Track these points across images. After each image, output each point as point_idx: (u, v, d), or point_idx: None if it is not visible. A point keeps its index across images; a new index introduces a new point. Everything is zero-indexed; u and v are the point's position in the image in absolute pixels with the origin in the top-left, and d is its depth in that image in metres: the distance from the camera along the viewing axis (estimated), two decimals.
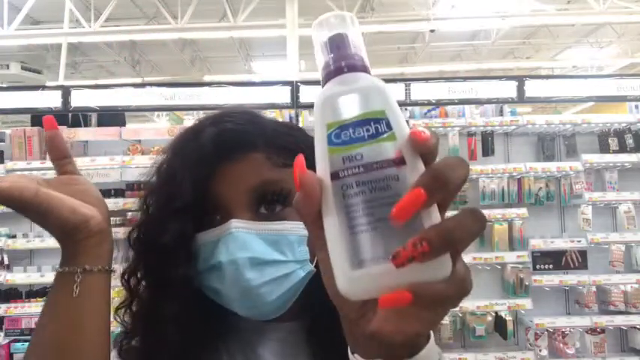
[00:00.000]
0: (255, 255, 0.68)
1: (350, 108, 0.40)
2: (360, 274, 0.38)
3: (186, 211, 0.70)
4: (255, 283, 0.68)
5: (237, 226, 0.69)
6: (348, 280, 0.38)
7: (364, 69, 0.43)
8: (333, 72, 0.42)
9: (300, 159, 0.40)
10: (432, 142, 0.40)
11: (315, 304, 0.70)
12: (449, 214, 0.40)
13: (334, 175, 0.39)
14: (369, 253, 0.38)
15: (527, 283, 4.32)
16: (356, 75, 0.42)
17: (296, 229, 0.70)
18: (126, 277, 0.79)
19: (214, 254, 0.70)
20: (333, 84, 0.42)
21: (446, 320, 4.27)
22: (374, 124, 0.40)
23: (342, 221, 0.38)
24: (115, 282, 0.74)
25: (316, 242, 0.42)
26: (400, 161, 0.39)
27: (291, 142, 0.75)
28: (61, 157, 0.69)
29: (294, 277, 0.70)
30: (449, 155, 0.45)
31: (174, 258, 0.71)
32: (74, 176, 0.70)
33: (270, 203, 0.72)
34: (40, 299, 4.30)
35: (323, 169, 0.40)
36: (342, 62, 0.42)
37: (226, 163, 0.71)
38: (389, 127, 0.41)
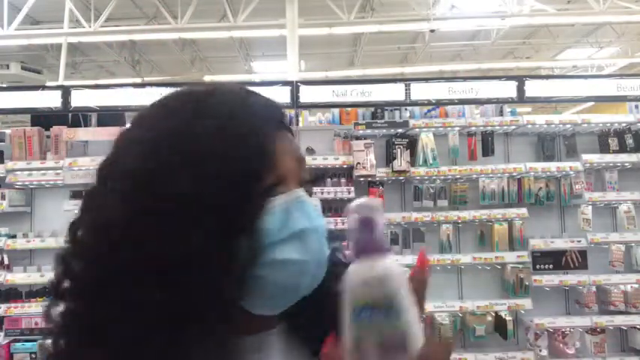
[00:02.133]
0: (324, 227, 0.67)
1: (373, 290, 0.52)
2: None
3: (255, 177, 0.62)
4: (326, 253, 0.67)
5: (304, 194, 0.67)
6: None
7: (386, 250, 0.55)
8: (366, 249, 0.55)
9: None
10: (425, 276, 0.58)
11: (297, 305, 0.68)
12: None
13: (353, 348, 0.51)
14: None
15: (527, 283, 4.32)
16: (381, 261, 0.54)
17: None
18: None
19: (290, 222, 0.63)
20: (361, 264, 0.54)
21: (446, 320, 4.27)
22: (386, 310, 0.51)
23: None
24: None
25: None
26: (401, 349, 0.50)
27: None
28: None
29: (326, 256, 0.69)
30: (433, 340, 0.53)
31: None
32: None
33: (306, 181, 0.70)
34: (40, 299, 4.30)
35: (346, 340, 0.53)
36: (374, 244, 0.54)
37: (275, 133, 0.67)
38: (396, 314, 0.51)
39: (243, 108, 0.66)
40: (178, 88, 0.72)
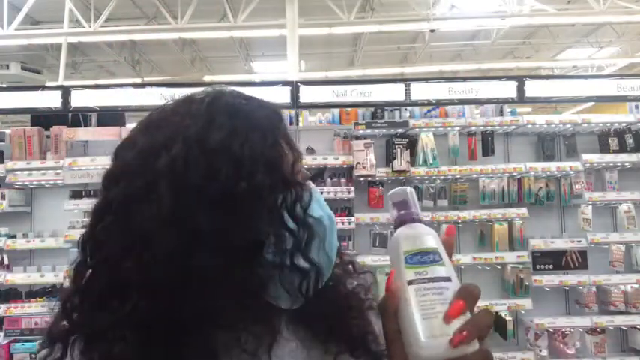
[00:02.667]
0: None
1: (418, 242, 0.67)
2: (429, 343, 0.60)
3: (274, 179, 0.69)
4: (337, 243, 0.75)
5: (315, 188, 0.74)
6: (421, 347, 0.60)
7: (421, 221, 0.70)
8: (405, 220, 0.69)
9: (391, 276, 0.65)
10: (452, 241, 0.68)
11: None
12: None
13: (410, 282, 0.64)
14: (434, 331, 0.60)
15: (527, 283, 4.32)
16: (419, 225, 0.69)
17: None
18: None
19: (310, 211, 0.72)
20: (405, 228, 0.68)
21: None
22: (432, 255, 0.65)
23: (417, 311, 0.62)
24: None
25: (391, 326, 0.64)
26: (448, 279, 0.64)
27: None
28: None
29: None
30: (470, 283, 0.64)
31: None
32: None
33: (311, 177, 0.78)
34: (40, 299, 4.30)
35: (402, 278, 0.65)
36: (411, 216, 0.69)
37: (283, 133, 0.75)
38: (440, 257, 0.66)
39: (250, 108, 0.73)
40: (184, 94, 0.77)
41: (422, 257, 0.65)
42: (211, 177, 0.65)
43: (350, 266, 0.85)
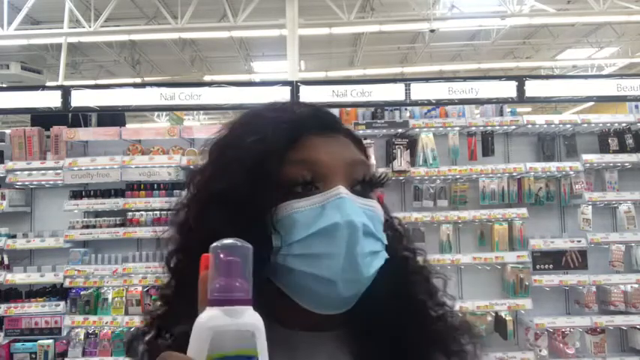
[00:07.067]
0: (366, 222, 0.67)
1: (234, 344, 0.47)
2: None
3: (270, 185, 0.67)
4: (364, 250, 0.66)
5: (346, 192, 0.68)
6: None
7: (249, 302, 0.49)
8: (226, 299, 0.48)
9: None
10: None
11: (363, 309, 0.69)
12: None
13: None
14: None
15: (527, 283, 4.32)
16: (246, 312, 0.48)
17: (381, 212, 0.73)
18: (175, 257, 0.73)
19: (323, 217, 0.66)
20: (221, 313, 0.47)
21: None
22: None
23: None
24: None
25: None
26: None
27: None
28: None
29: (382, 256, 0.70)
30: None
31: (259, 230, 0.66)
32: None
33: (362, 182, 0.72)
34: (40, 299, 4.31)
35: None
36: (232, 293, 0.48)
37: (321, 136, 0.72)
38: None
39: (276, 117, 0.72)
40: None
41: None
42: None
43: (424, 272, 0.80)
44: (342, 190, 0.67)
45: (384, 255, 0.70)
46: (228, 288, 0.47)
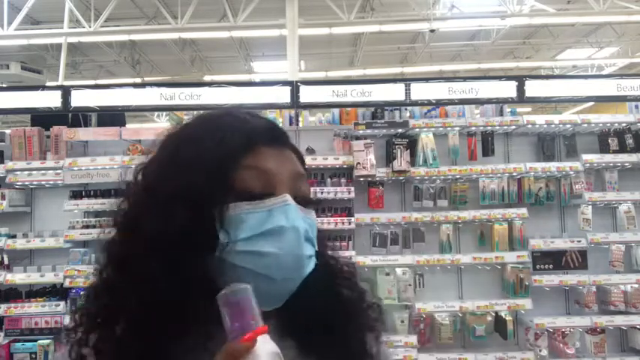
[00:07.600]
0: (307, 229, 0.76)
1: None
2: None
3: (223, 185, 0.73)
4: (306, 253, 0.75)
5: (292, 201, 0.76)
6: None
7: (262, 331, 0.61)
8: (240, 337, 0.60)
9: None
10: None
11: (291, 304, 0.77)
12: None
13: None
14: None
15: (527, 283, 4.32)
16: (257, 344, 0.60)
17: (316, 223, 0.81)
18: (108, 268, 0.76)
19: (270, 220, 0.73)
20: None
21: (446, 320, 4.27)
22: None
23: None
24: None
25: None
26: None
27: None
28: None
29: (313, 262, 0.78)
30: None
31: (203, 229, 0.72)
32: None
33: (304, 195, 0.80)
34: (40, 299, 4.30)
35: None
36: (250, 329, 0.60)
37: (272, 148, 0.79)
38: None
39: (223, 128, 0.78)
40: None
41: None
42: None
43: (346, 270, 0.89)
44: (289, 198, 0.75)
45: (314, 260, 0.79)
46: (238, 330, 0.59)
